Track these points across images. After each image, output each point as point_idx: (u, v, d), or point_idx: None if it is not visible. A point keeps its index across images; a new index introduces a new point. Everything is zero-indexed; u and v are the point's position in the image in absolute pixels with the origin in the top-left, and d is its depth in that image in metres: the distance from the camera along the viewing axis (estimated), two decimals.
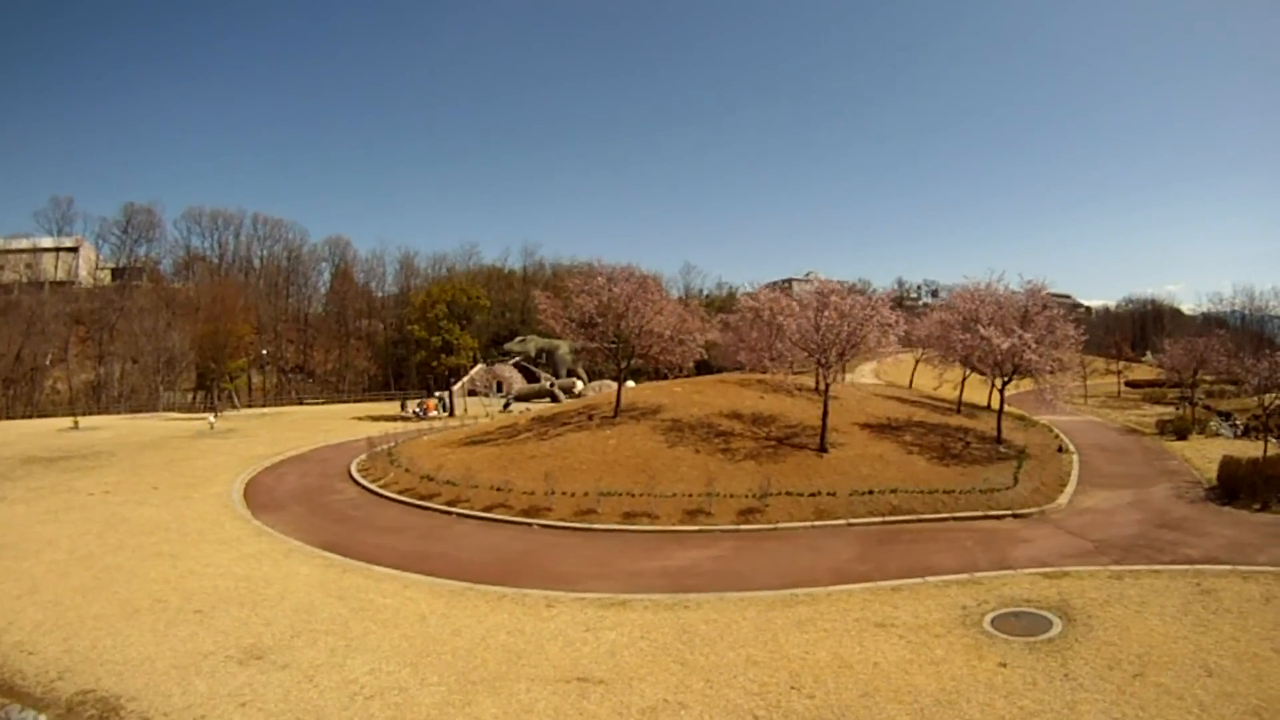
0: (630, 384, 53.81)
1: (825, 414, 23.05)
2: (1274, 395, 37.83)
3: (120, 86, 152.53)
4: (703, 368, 71.63)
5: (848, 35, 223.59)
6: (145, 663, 10.13)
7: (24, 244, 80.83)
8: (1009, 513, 18.48)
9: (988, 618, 11.28)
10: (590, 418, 28.66)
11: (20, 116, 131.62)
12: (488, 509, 19.62)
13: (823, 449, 22.63)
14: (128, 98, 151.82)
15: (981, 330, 23.74)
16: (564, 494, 19.99)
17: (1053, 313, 24.00)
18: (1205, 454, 26.45)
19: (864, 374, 63.84)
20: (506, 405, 53.40)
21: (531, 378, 67.75)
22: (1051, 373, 22.78)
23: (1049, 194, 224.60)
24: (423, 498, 21.11)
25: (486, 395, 62.91)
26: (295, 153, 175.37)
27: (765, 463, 22.03)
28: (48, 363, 64.29)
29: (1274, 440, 28.27)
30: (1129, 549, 15.20)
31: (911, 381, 46.18)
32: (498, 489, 20.59)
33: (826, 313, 22.36)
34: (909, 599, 12.37)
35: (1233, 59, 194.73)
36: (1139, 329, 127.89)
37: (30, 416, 51.23)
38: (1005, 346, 22.87)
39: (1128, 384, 68.33)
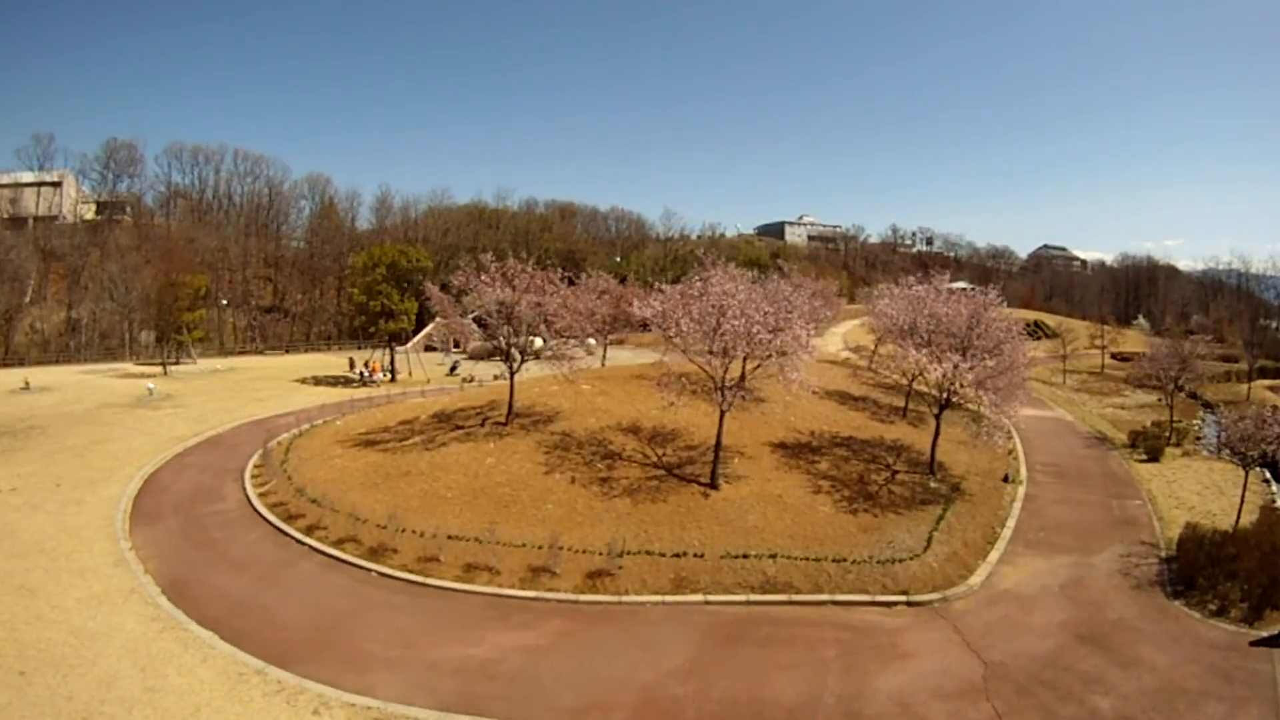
0: (590, 342, 50.51)
1: (719, 445, 19.57)
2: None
3: (101, 20, 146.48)
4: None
5: None
6: None
7: (5, 179, 77.34)
8: (903, 599, 15.09)
9: None
10: (484, 422, 25.69)
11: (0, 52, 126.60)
12: (339, 542, 17.98)
13: (713, 484, 19.36)
14: (109, 32, 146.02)
15: (912, 353, 19.74)
16: (413, 533, 17.96)
17: (1002, 327, 19.72)
18: (1176, 490, 22.58)
19: (833, 338, 58.93)
20: (454, 368, 50.37)
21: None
22: (992, 405, 18.55)
23: (1053, 144, 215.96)
24: (289, 517, 19.71)
25: (444, 351, 59.80)
26: (278, 87, 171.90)
27: (642, 501, 18.90)
28: (26, 301, 62.29)
29: (1261, 474, 24.29)
30: (1024, 689, 11.81)
31: (873, 357, 41.90)
32: (356, 518, 18.69)
33: (723, 328, 18.49)
34: None
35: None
36: (1133, 289, 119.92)
37: (6, 363, 51.28)
38: (935, 375, 18.94)
39: (1114, 355, 62.15)
